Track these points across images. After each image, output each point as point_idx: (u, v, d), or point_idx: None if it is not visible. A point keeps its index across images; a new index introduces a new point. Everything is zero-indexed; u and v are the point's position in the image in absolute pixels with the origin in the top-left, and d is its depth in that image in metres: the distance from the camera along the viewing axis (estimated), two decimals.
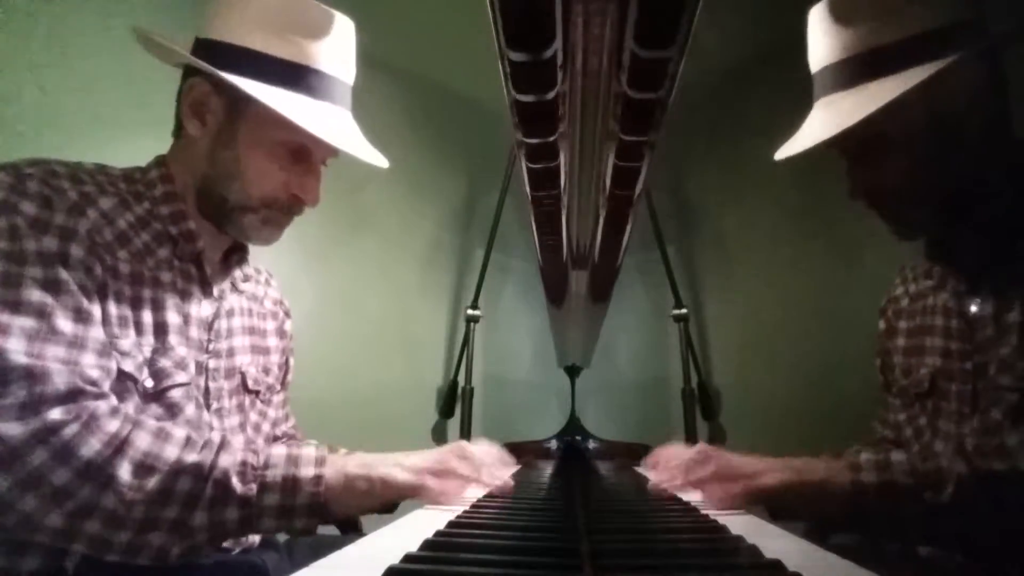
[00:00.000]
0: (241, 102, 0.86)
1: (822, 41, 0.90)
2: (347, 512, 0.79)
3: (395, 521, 0.67)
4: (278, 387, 1.07)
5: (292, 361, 1.12)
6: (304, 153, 0.90)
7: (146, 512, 0.68)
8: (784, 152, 0.93)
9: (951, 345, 0.91)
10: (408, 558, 0.47)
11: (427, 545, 0.51)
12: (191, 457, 0.71)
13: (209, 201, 0.89)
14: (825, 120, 0.88)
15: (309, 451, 0.77)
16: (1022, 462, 0.69)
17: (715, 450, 0.87)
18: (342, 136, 0.90)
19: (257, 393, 0.99)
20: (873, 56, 0.84)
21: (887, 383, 1.06)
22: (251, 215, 0.90)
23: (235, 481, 0.72)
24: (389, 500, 0.80)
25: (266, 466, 0.74)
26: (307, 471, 0.75)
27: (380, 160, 0.97)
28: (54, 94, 1.30)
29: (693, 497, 0.86)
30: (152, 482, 0.69)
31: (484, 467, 0.88)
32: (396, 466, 0.80)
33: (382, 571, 0.42)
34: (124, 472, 0.67)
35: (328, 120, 0.89)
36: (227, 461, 0.72)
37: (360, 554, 0.53)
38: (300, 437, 1.11)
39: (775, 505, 0.78)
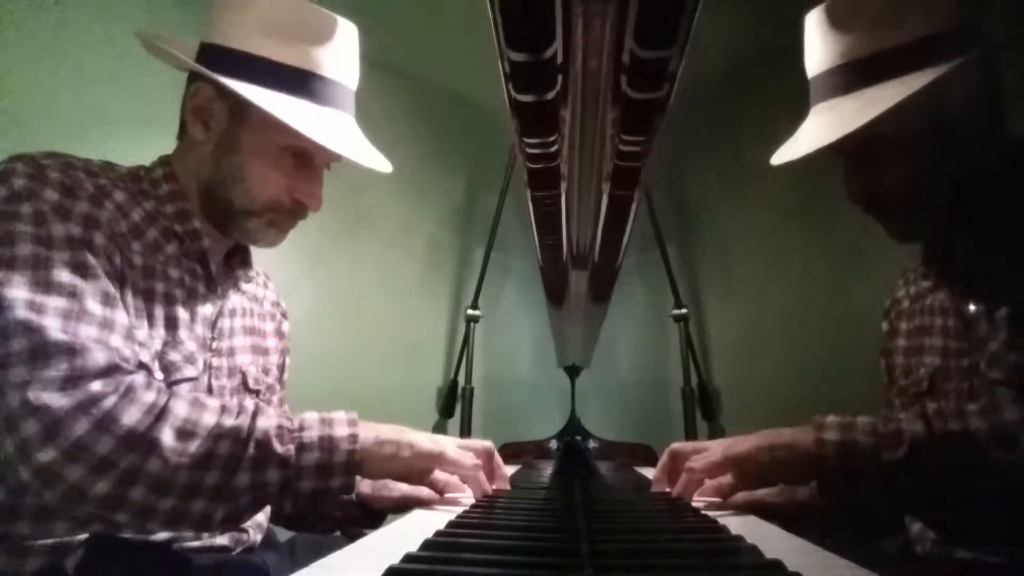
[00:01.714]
0: (244, 107, 0.86)
1: (820, 46, 0.90)
2: (377, 475, 0.82)
3: (395, 521, 0.68)
4: (277, 387, 1.07)
5: (288, 361, 1.13)
6: (307, 158, 0.91)
7: (190, 477, 0.69)
8: (782, 157, 0.93)
9: (949, 344, 0.91)
10: (408, 558, 0.47)
11: (427, 545, 0.51)
12: (229, 421, 0.72)
13: (214, 205, 0.90)
14: (824, 125, 0.87)
15: (340, 414, 0.79)
16: (977, 425, 0.71)
17: (682, 443, 0.92)
18: (344, 141, 0.90)
19: (258, 393, 0.99)
20: (873, 61, 0.84)
21: (890, 383, 1.07)
22: (256, 219, 0.90)
23: (275, 442, 0.73)
24: (412, 467, 0.82)
25: (301, 428, 0.76)
26: (341, 430, 0.77)
27: (384, 165, 0.97)
28: (55, 94, 1.30)
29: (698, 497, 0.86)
30: (194, 446, 0.70)
31: (499, 469, 0.91)
32: (423, 436, 0.84)
33: (382, 571, 0.42)
34: (167, 437, 0.69)
35: (331, 125, 0.89)
36: (265, 424, 0.74)
37: (360, 554, 0.53)
38: None
39: (752, 475, 0.81)
